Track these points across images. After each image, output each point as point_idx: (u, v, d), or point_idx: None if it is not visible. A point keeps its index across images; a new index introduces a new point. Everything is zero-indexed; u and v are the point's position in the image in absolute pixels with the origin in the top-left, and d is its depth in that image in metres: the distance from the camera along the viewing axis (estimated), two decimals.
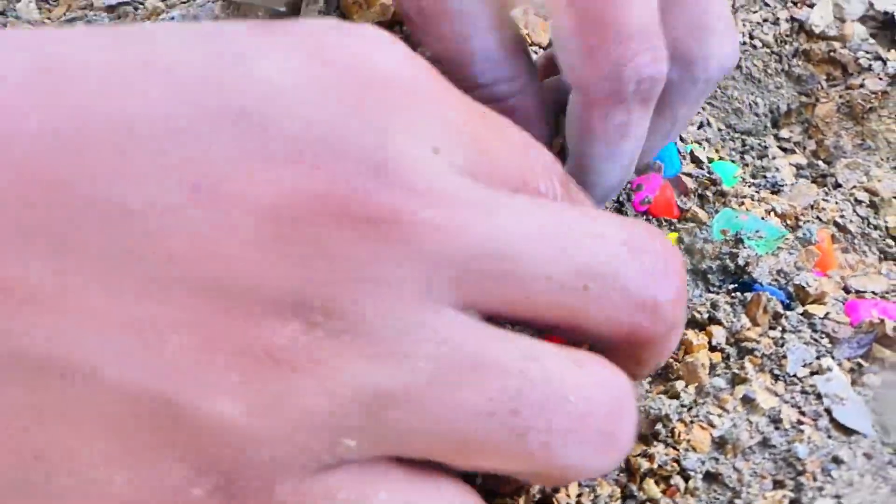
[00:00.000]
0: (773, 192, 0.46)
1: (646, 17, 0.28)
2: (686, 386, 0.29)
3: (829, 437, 0.27)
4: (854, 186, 0.54)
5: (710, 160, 0.41)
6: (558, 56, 0.30)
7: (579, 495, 0.25)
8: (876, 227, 0.51)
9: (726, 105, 0.60)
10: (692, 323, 0.31)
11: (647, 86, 0.29)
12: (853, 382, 0.29)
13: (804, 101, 0.60)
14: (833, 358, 0.30)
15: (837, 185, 0.56)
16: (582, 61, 0.29)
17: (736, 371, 0.29)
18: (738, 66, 0.61)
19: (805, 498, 0.24)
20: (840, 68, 0.60)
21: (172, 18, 0.46)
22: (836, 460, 0.26)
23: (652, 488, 0.26)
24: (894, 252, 0.50)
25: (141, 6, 0.52)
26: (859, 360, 0.30)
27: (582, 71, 0.29)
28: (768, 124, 0.60)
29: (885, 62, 0.58)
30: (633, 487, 0.26)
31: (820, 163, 0.58)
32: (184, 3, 0.50)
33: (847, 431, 0.27)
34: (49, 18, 0.56)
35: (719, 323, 0.30)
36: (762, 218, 0.41)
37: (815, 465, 0.25)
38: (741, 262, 0.34)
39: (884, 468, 0.26)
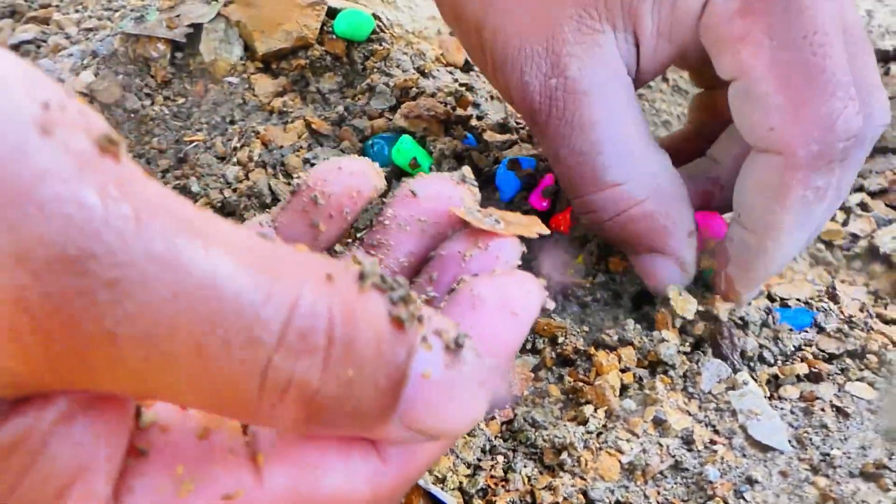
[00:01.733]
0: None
1: (846, 67, 0.26)
2: (595, 410, 0.27)
3: (744, 455, 0.26)
4: None
5: None
6: (747, 121, 0.27)
7: None
8: None
9: (655, 118, 0.59)
10: (602, 345, 0.29)
11: (853, 142, 0.27)
12: (770, 396, 0.28)
13: None
14: (749, 369, 0.29)
15: None
16: (786, 119, 0.26)
17: (647, 392, 0.27)
18: (665, 79, 0.60)
19: None
20: None
21: (71, 55, 0.44)
22: (750, 481, 0.24)
23: None
24: (826, 257, 0.50)
25: (43, 44, 0.50)
26: (776, 372, 0.29)
27: (786, 130, 0.26)
28: None
29: None
30: None
31: None
32: (87, 39, 0.49)
33: (763, 448, 0.26)
34: None
35: (630, 343, 0.29)
36: None
37: (727, 487, 0.24)
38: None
39: (800, 486, 0.24)
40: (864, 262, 0.49)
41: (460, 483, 0.24)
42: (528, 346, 0.30)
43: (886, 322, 0.43)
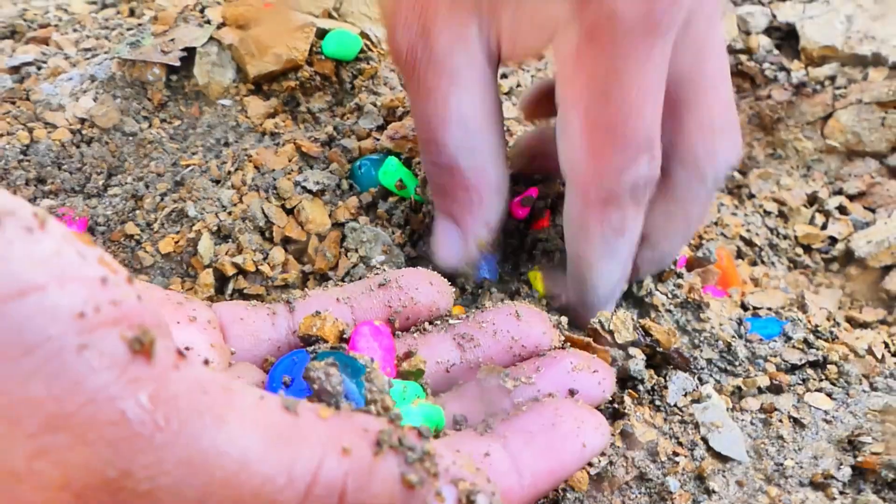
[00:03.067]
0: None
1: (651, 126, 0.29)
2: None
3: (702, 465, 0.27)
4: (765, 197, 0.55)
5: None
6: (560, 147, 0.30)
7: None
8: (785, 237, 0.52)
9: None
10: None
11: (642, 188, 0.30)
12: (732, 408, 0.30)
13: None
14: (713, 381, 0.31)
15: (751, 196, 0.58)
16: (585, 161, 0.29)
17: (616, 406, 0.29)
18: None
19: None
20: (748, 80, 0.61)
21: (70, 79, 0.46)
22: (706, 490, 0.26)
23: None
24: (803, 261, 0.51)
25: (44, 65, 0.52)
26: (740, 384, 0.31)
27: (583, 171, 0.30)
28: None
29: (788, 73, 0.59)
30: None
31: (735, 174, 0.59)
32: (86, 60, 0.50)
33: (722, 459, 0.28)
34: None
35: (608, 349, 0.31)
36: None
37: (685, 497, 0.26)
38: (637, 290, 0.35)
39: (755, 495, 0.26)
40: (841, 264, 0.51)
41: None
42: None
43: (858, 325, 0.45)
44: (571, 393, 0.27)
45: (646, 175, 0.30)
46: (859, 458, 0.27)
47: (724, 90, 0.32)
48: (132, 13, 0.58)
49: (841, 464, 0.27)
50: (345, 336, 0.28)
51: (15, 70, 0.53)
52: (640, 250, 0.33)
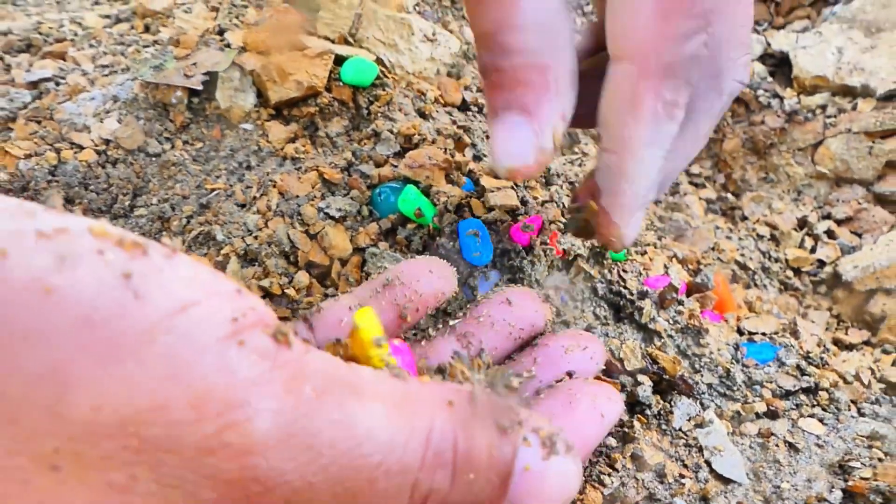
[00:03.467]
0: (675, 238, 0.50)
1: (712, 7, 0.27)
2: None
3: (706, 488, 0.30)
4: (757, 220, 0.58)
5: None
6: (617, 20, 0.28)
7: None
8: (776, 260, 0.54)
9: None
10: None
11: (698, 64, 0.28)
12: (732, 432, 0.32)
13: (713, 137, 0.64)
14: (716, 407, 0.33)
15: (744, 218, 0.60)
16: (650, 27, 0.27)
17: (626, 430, 0.31)
18: None
19: None
20: (743, 106, 0.63)
21: (93, 99, 0.47)
22: None
23: None
24: (793, 283, 0.54)
25: (62, 81, 0.53)
26: (739, 409, 0.33)
27: (647, 37, 0.28)
28: None
29: (782, 100, 0.62)
30: None
31: (729, 195, 0.62)
32: (105, 76, 0.52)
33: (724, 481, 0.30)
34: None
35: (618, 379, 0.33)
36: (664, 265, 0.44)
37: None
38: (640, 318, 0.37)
39: None
40: (829, 287, 0.54)
41: None
42: None
43: (845, 348, 0.47)
44: (570, 375, 0.29)
45: (704, 53, 0.28)
46: (850, 483, 0.29)
47: (746, 9, 0.31)
48: (147, 29, 0.59)
49: (832, 487, 0.29)
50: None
51: (33, 85, 0.54)
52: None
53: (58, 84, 0.53)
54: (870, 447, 0.31)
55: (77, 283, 0.17)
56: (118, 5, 0.65)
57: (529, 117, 0.30)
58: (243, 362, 0.18)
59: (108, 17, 0.63)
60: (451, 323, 0.32)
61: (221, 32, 0.49)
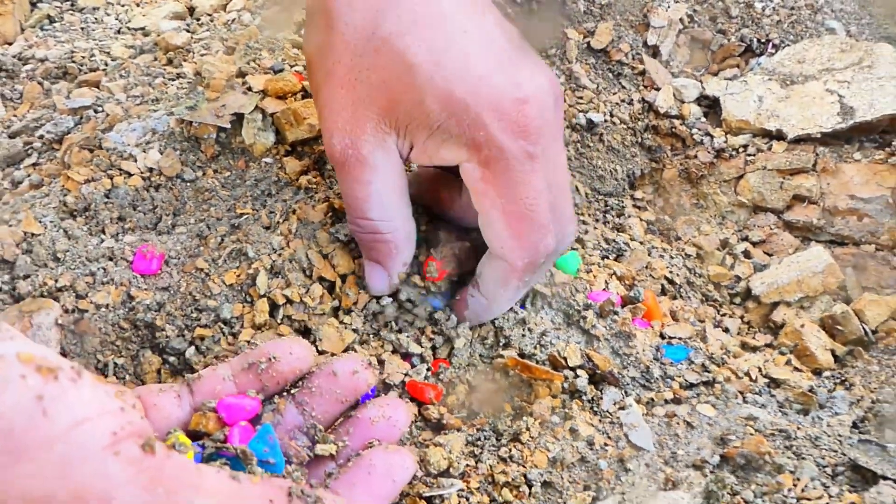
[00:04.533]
0: (616, 258, 0.60)
1: (547, 214, 0.42)
2: (534, 421, 0.42)
3: (623, 453, 0.40)
4: (687, 241, 0.69)
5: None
6: (488, 236, 0.43)
7: (459, 500, 0.38)
8: (700, 276, 0.65)
9: (592, 172, 0.74)
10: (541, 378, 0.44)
11: (550, 257, 0.44)
12: (646, 413, 0.43)
13: (654, 167, 0.75)
14: (635, 394, 0.44)
15: (677, 238, 0.71)
16: (510, 243, 0.42)
17: (567, 411, 0.42)
18: (601, 139, 0.75)
19: (601, 495, 0.38)
20: (680, 141, 0.74)
21: (134, 130, 0.56)
22: (625, 469, 0.39)
23: (507, 494, 0.38)
24: (713, 295, 0.65)
25: (100, 109, 0.62)
26: (653, 397, 0.44)
27: (510, 248, 0.42)
28: (626, 187, 0.74)
29: (712, 138, 0.73)
30: (495, 494, 0.39)
31: (666, 218, 0.73)
32: (137, 105, 0.60)
33: (636, 448, 0.41)
34: (14, 115, 0.65)
35: (562, 373, 0.43)
36: (605, 281, 0.55)
37: (610, 473, 0.39)
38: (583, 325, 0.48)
39: (656, 473, 0.39)
40: (742, 299, 0.65)
41: (448, 467, 0.39)
42: (490, 379, 0.44)
43: (750, 349, 0.58)
44: (374, 443, 0.37)
45: (551, 247, 0.43)
46: (725, 450, 0.40)
47: (567, 190, 0.45)
48: (170, 62, 0.68)
49: (714, 453, 0.40)
50: (224, 428, 0.35)
51: (74, 112, 0.63)
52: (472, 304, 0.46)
53: (96, 112, 0.62)
54: (745, 426, 0.42)
55: (3, 402, 0.24)
56: (140, 35, 0.74)
57: (381, 267, 0.46)
58: (116, 467, 0.25)
59: (132, 47, 0.71)
60: (292, 391, 0.38)
61: (242, 75, 0.59)
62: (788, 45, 0.77)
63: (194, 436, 0.35)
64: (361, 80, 0.41)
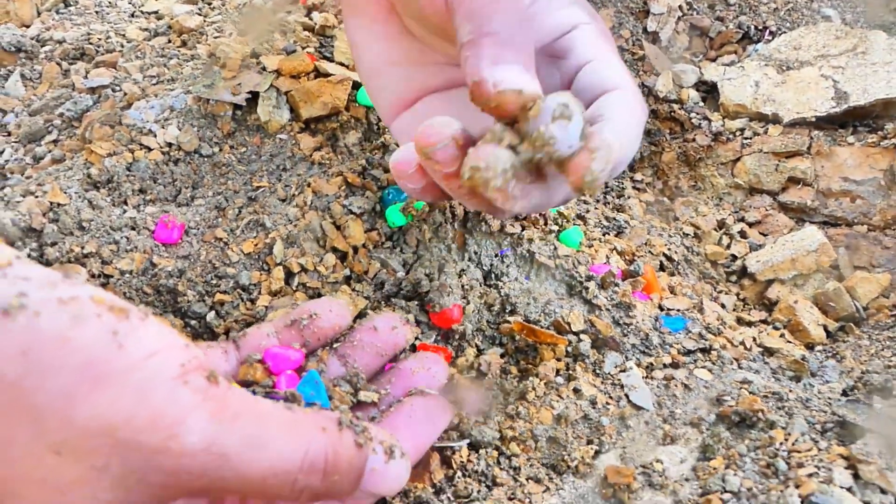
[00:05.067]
0: (616, 235, 0.62)
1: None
2: (539, 382, 0.44)
3: (624, 411, 0.43)
4: (685, 221, 0.71)
5: (561, 230, 0.55)
6: (597, 75, 0.36)
7: (469, 455, 0.40)
8: (697, 254, 0.67)
9: None
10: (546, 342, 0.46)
11: None
12: (645, 376, 0.45)
13: (653, 150, 0.77)
14: (635, 359, 0.46)
15: (676, 219, 0.73)
16: (624, 75, 0.36)
17: (570, 372, 0.44)
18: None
19: (603, 449, 0.40)
20: (679, 125, 0.76)
21: (152, 108, 0.58)
22: (626, 426, 0.41)
23: (514, 448, 0.41)
24: (710, 273, 0.67)
25: (118, 89, 0.64)
26: (652, 362, 0.46)
27: (626, 79, 0.37)
28: (626, 169, 0.76)
29: (710, 122, 0.75)
30: (504, 448, 0.41)
31: (665, 199, 0.75)
32: (153, 85, 0.62)
33: (637, 408, 0.43)
34: (34, 95, 0.67)
35: (566, 337, 0.46)
36: (606, 255, 0.57)
37: (612, 429, 0.41)
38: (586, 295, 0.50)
39: (655, 430, 0.42)
40: (738, 277, 0.67)
41: (459, 423, 0.41)
42: (497, 342, 0.46)
43: (745, 324, 0.60)
44: (413, 391, 0.38)
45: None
46: (720, 409, 0.42)
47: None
48: (184, 44, 0.70)
49: (710, 412, 0.42)
50: (271, 377, 0.38)
51: (93, 91, 0.65)
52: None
53: (114, 91, 0.64)
54: (739, 388, 0.44)
55: (83, 337, 0.26)
56: (153, 19, 0.76)
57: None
58: (186, 394, 0.27)
59: (146, 30, 0.73)
60: (334, 346, 0.41)
61: (256, 56, 0.61)
62: (785, 32, 0.79)
63: (243, 385, 0.37)
64: None
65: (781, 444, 0.38)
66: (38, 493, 0.26)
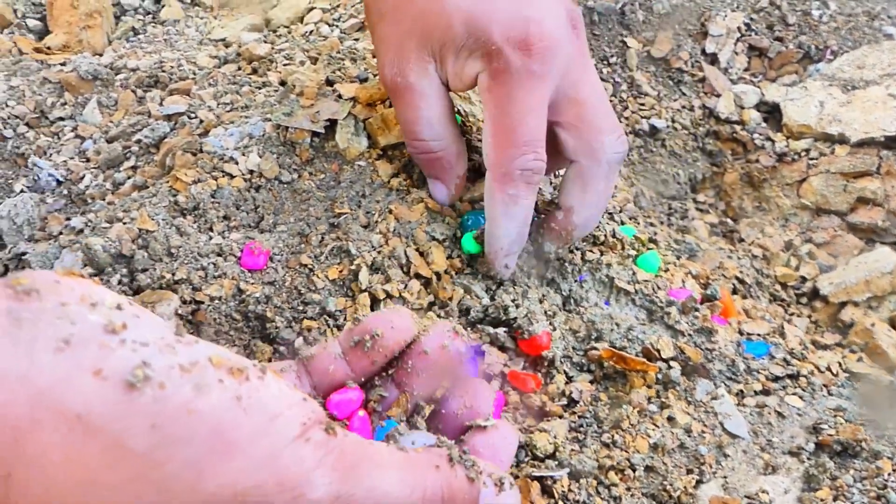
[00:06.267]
0: (689, 258, 0.62)
1: (535, 133, 0.46)
2: (632, 410, 0.44)
3: (721, 440, 0.42)
4: (752, 242, 0.71)
5: (638, 255, 0.55)
6: (483, 145, 0.47)
7: (569, 485, 0.40)
8: (767, 276, 0.67)
9: (655, 176, 0.76)
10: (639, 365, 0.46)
11: (529, 174, 0.46)
12: (738, 403, 0.45)
13: (715, 171, 0.77)
14: (725, 386, 0.46)
15: (741, 240, 0.73)
16: (489, 151, 0.46)
17: (663, 400, 0.44)
18: (664, 145, 0.77)
19: (704, 479, 0.40)
20: (741, 146, 0.76)
21: (231, 135, 0.59)
22: (724, 455, 0.41)
23: (613, 477, 0.41)
24: (781, 295, 0.67)
25: (194, 116, 0.65)
26: (742, 388, 0.46)
27: (488, 157, 0.47)
28: (688, 190, 0.76)
29: (773, 142, 0.74)
30: (602, 477, 0.41)
31: (728, 220, 0.75)
32: (227, 112, 0.63)
33: (732, 436, 0.43)
34: (111, 122, 0.68)
35: (657, 364, 0.46)
36: (682, 279, 0.57)
37: (711, 458, 0.41)
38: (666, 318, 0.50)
39: (753, 459, 0.41)
40: (809, 299, 0.67)
41: (554, 451, 0.41)
42: (585, 369, 0.47)
43: (821, 347, 0.60)
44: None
45: (531, 165, 0.46)
46: (819, 438, 0.42)
47: (601, 105, 0.49)
48: (255, 72, 0.71)
49: (808, 441, 0.42)
50: (343, 423, 0.37)
51: (168, 118, 0.66)
52: (569, 219, 0.50)
53: (189, 118, 0.65)
54: (835, 416, 0.44)
55: (208, 405, 0.26)
56: (222, 46, 0.77)
57: (441, 182, 0.52)
58: (308, 453, 0.28)
59: (216, 57, 0.75)
60: (389, 372, 0.40)
61: (331, 84, 0.62)
62: (846, 51, 0.79)
63: None
64: (404, 14, 0.47)
65: (889, 474, 0.38)
66: None
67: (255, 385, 0.28)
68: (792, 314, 0.65)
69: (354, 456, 0.29)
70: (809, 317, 0.65)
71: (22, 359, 0.24)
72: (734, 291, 0.62)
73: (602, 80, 0.78)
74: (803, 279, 0.67)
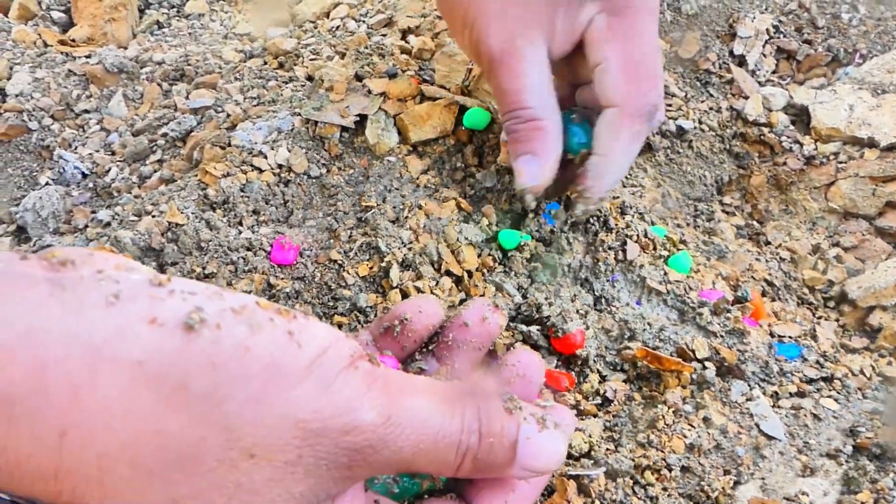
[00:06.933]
0: (718, 259, 0.62)
1: (660, 67, 0.46)
2: (667, 410, 0.43)
3: (757, 441, 0.42)
4: (779, 245, 0.70)
5: (669, 256, 0.55)
6: (603, 84, 0.46)
7: (606, 484, 0.40)
8: (795, 279, 0.66)
9: (682, 178, 0.75)
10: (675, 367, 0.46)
11: (654, 109, 0.46)
12: (773, 405, 0.44)
13: (742, 173, 0.76)
14: (759, 388, 0.45)
15: (767, 243, 0.72)
16: (624, 87, 0.46)
17: (699, 400, 0.43)
18: (690, 146, 0.76)
19: (742, 480, 0.39)
20: (769, 148, 0.76)
21: (259, 129, 0.59)
22: (761, 456, 0.40)
23: (649, 477, 0.40)
24: (808, 298, 0.66)
25: (220, 109, 0.65)
26: (776, 390, 0.46)
27: (623, 93, 0.46)
28: (714, 192, 0.76)
29: (801, 145, 0.74)
30: (638, 476, 0.40)
31: (755, 223, 0.74)
32: (254, 106, 0.63)
33: (769, 437, 0.42)
34: (136, 115, 0.68)
35: (692, 364, 0.45)
36: (713, 281, 0.56)
37: (749, 459, 0.40)
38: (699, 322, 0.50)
39: (791, 461, 0.41)
40: (837, 302, 0.66)
41: (589, 450, 0.41)
42: (619, 368, 0.46)
43: (850, 351, 0.59)
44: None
45: (658, 101, 0.47)
46: (858, 440, 0.41)
47: (658, 66, 0.48)
48: (281, 66, 0.71)
49: (845, 443, 0.41)
50: None
51: (195, 111, 0.66)
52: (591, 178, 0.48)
53: (216, 111, 0.65)
54: (871, 419, 0.43)
55: (263, 342, 0.27)
56: (247, 41, 0.77)
57: (537, 157, 0.48)
58: (359, 380, 0.29)
59: (242, 51, 0.74)
60: (429, 347, 0.40)
61: (360, 79, 0.61)
62: (876, 55, 0.78)
63: None
64: None
65: None
66: (233, 499, 0.27)
67: (303, 322, 0.29)
68: (820, 318, 0.64)
69: (398, 383, 0.30)
70: (837, 320, 0.64)
71: (72, 317, 0.24)
72: (763, 294, 0.62)
73: None
74: (831, 283, 0.67)
